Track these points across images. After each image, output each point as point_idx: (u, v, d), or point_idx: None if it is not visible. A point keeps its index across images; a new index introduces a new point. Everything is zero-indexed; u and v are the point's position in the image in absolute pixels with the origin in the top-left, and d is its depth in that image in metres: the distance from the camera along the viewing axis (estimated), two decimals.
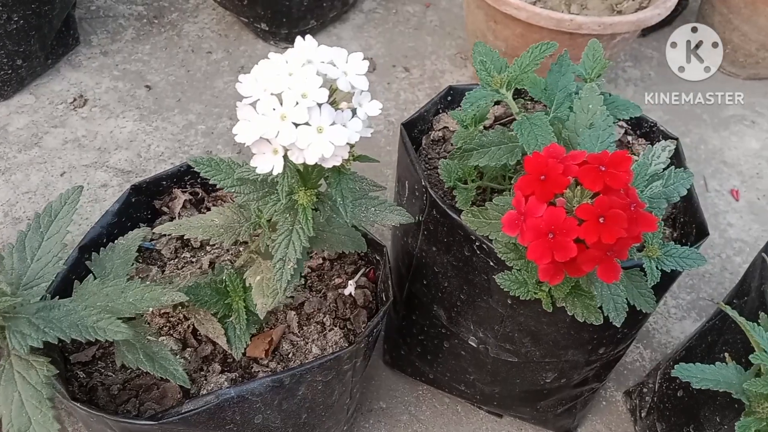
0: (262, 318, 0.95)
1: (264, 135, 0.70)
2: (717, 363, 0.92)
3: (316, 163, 0.74)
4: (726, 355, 1.05)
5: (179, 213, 1.25)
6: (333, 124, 0.71)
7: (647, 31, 2.19)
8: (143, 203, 1.24)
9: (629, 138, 1.29)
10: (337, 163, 0.73)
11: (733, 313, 1.02)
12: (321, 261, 1.23)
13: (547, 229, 0.75)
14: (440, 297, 1.20)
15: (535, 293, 0.97)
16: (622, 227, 0.72)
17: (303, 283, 1.20)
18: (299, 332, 1.13)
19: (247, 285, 0.96)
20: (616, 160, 0.75)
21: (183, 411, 0.95)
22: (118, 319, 0.89)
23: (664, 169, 1.25)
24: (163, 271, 1.19)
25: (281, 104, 0.70)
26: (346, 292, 1.17)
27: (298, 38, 0.75)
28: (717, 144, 1.94)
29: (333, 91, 0.74)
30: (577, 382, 1.26)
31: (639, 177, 0.88)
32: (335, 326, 1.13)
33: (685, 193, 0.92)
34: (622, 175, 0.74)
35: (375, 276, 1.20)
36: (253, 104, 0.71)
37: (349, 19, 2.11)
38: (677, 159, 1.22)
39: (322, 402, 1.08)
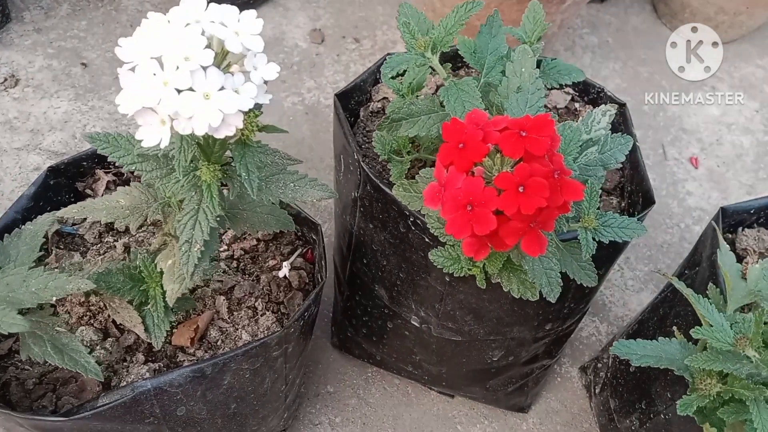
0: (171, 305, 0.88)
1: (145, 104, 0.63)
2: (660, 338, 0.88)
3: (218, 136, 0.67)
4: (675, 328, 1.01)
5: (103, 195, 1.18)
6: (222, 89, 0.64)
7: None
8: (64, 186, 1.16)
9: (576, 105, 1.24)
10: (230, 133, 0.66)
11: (679, 285, 0.98)
12: (255, 242, 1.17)
13: (465, 200, 0.69)
14: (380, 276, 1.14)
15: (469, 269, 0.91)
16: (543, 196, 0.67)
17: (236, 266, 1.14)
18: (229, 318, 1.06)
19: (159, 270, 0.90)
20: (537, 124, 0.69)
21: (97, 405, 0.89)
22: (21, 309, 0.82)
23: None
24: (84, 257, 1.12)
25: (162, 69, 0.63)
26: (281, 274, 1.11)
27: None
28: (676, 111, 1.89)
29: (224, 54, 0.68)
30: (526, 360, 1.21)
31: (572, 143, 0.82)
32: (268, 311, 1.07)
33: (623, 159, 0.87)
34: (544, 141, 0.68)
35: (313, 256, 1.14)
36: (134, 70, 0.64)
37: None
38: (625, 125, 1.16)
39: (253, 391, 1.02)
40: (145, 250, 0.99)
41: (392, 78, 1.17)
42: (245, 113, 0.72)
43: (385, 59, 1.21)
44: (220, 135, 0.66)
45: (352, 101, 1.21)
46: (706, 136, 1.85)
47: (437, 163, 0.74)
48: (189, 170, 0.77)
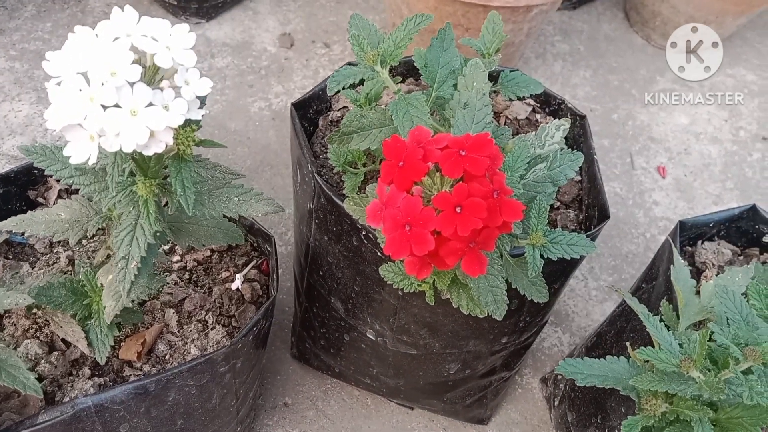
0: (108, 322, 0.86)
1: (71, 120, 0.61)
2: (608, 357, 0.87)
3: (147, 153, 0.65)
4: (628, 344, 1.00)
5: (56, 203, 1.15)
6: (150, 105, 0.62)
7: (578, 4, 2.12)
8: (15, 194, 1.14)
9: (537, 116, 1.23)
10: (159, 150, 0.64)
11: (631, 301, 0.97)
12: (209, 253, 1.15)
13: (404, 220, 0.68)
14: (336, 288, 1.13)
15: (419, 285, 0.90)
16: (480, 217, 0.65)
17: (188, 277, 1.12)
18: (178, 332, 1.05)
19: (99, 284, 0.88)
20: (477, 143, 0.68)
21: (36, 423, 0.87)
22: None
23: (573, 148, 1.19)
24: (33, 268, 1.10)
25: (89, 84, 0.61)
26: (233, 286, 1.09)
27: (115, 9, 0.66)
28: (645, 120, 1.89)
29: (155, 69, 0.66)
30: (484, 372, 1.20)
31: (519, 159, 0.81)
32: (218, 324, 1.05)
33: (573, 175, 0.86)
34: (483, 160, 0.67)
35: (268, 268, 1.12)
36: (60, 84, 0.62)
37: None
38: (584, 137, 1.16)
39: (200, 406, 1.00)
40: (88, 264, 0.97)
41: (351, 88, 1.16)
42: (181, 128, 0.70)
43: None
44: (149, 152, 0.64)
45: (311, 110, 1.19)
46: (675, 145, 1.85)
47: (379, 181, 0.73)
48: (125, 185, 0.75)
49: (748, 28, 2.14)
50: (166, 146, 0.65)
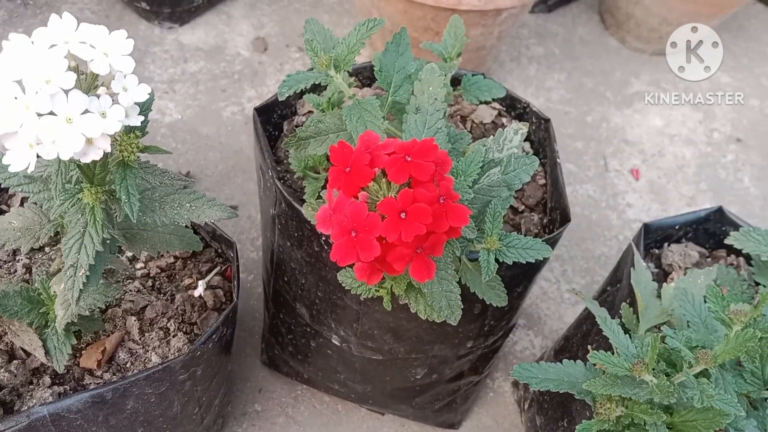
0: (59, 330, 0.85)
1: (7, 128, 0.61)
2: (564, 361, 0.87)
3: (85, 160, 0.65)
4: (590, 347, 1.00)
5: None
6: (86, 112, 0.61)
7: (553, 7, 2.13)
8: None
9: (503, 120, 1.23)
10: (97, 157, 0.63)
11: (590, 304, 0.97)
12: (172, 260, 1.14)
13: (350, 226, 0.67)
14: (300, 294, 1.12)
15: (377, 291, 0.90)
16: (424, 222, 0.65)
17: (151, 284, 1.11)
18: (140, 339, 1.04)
19: (53, 293, 0.87)
20: (423, 149, 0.68)
21: None
22: None
23: (538, 152, 1.19)
24: None
25: (24, 92, 0.61)
26: (196, 293, 1.08)
27: (53, 16, 0.65)
28: (619, 122, 1.90)
29: (94, 76, 0.65)
30: (451, 377, 1.20)
31: (472, 164, 0.81)
32: (180, 331, 1.05)
33: (527, 179, 0.86)
34: (428, 166, 0.67)
35: (232, 274, 1.11)
36: None
37: None
38: (548, 140, 1.16)
39: (161, 414, 0.99)
40: (44, 272, 0.96)
41: (312, 92, 1.15)
42: (125, 134, 0.70)
43: None
44: (87, 159, 0.63)
45: (276, 115, 1.19)
46: (649, 147, 1.86)
47: (328, 186, 0.73)
48: (72, 192, 0.75)
49: (722, 29, 2.14)
50: (105, 153, 0.64)
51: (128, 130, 0.71)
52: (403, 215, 0.66)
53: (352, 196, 0.70)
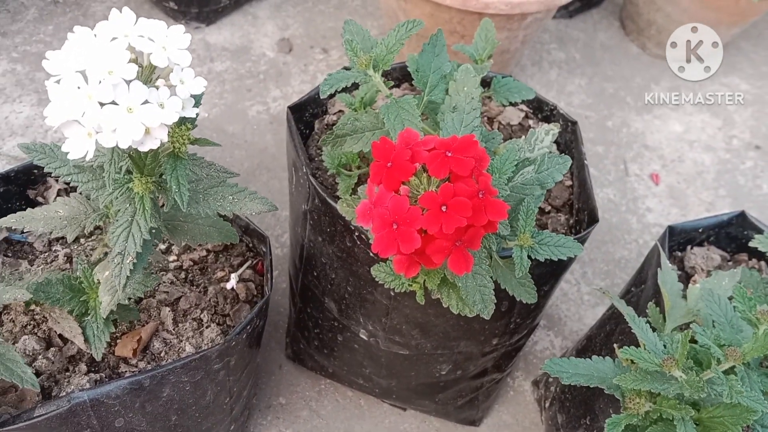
0: (104, 317, 0.88)
1: (70, 117, 0.63)
2: (594, 357, 0.88)
3: (142, 149, 0.67)
4: (615, 346, 1.02)
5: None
6: (146, 103, 0.64)
7: (574, 13, 2.15)
8: (15, 193, 1.16)
9: (530, 122, 1.25)
10: (154, 146, 0.66)
11: (618, 303, 0.99)
12: (205, 253, 1.17)
13: (391, 219, 0.70)
14: (330, 289, 1.15)
15: (410, 285, 0.92)
16: (464, 216, 0.67)
17: (184, 276, 1.14)
18: (173, 329, 1.06)
19: (96, 281, 0.89)
20: (463, 145, 0.70)
21: (33, 416, 0.89)
22: None
23: (564, 153, 1.21)
24: (32, 266, 1.11)
25: (87, 83, 0.63)
26: (228, 286, 1.11)
27: (114, 10, 0.68)
28: (639, 127, 1.91)
29: (152, 68, 0.68)
30: (475, 374, 1.21)
31: (507, 162, 0.83)
32: (213, 323, 1.07)
33: (560, 178, 0.88)
34: (468, 161, 0.69)
35: (263, 268, 1.14)
36: (59, 82, 0.64)
37: None
38: (575, 143, 1.18)
39: (194, 403, 1.01)
40: (86, 260, 0.99)
41: (345, 92, 1.18)
42: (177, 126, 0.72)
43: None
44: (144, 148, 0.66)
45: (307, 113, 1.21)
46: (668, 152, 1.87)
47: (369, 181, 0.75)
48: (122, 182, 0.77)
49: (742, 37, 2.16)
50: (161, 143, 0.67)
51: (180, 122, 0.73)
52: (443, 208, 0.68)
53: (393, 190, 0.72)
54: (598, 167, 1.80)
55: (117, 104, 0.63)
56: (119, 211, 0.79)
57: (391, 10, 1.69)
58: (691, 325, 0.82)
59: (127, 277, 0.79)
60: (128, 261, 0.78)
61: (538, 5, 1.49)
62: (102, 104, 0.63)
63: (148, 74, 0.68)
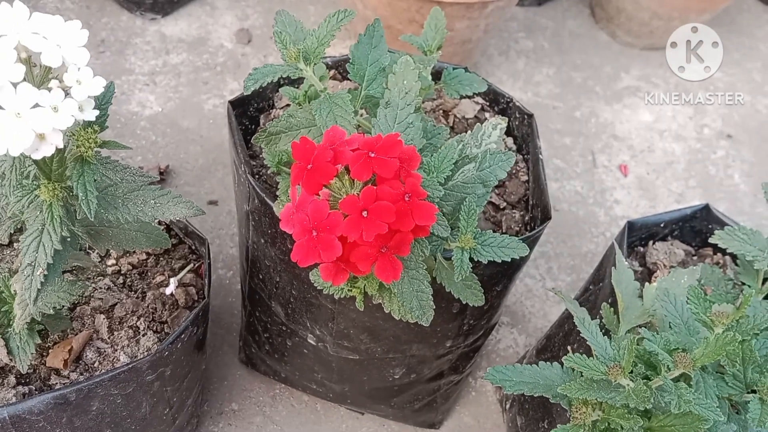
0: (17, 331, 0.82)
1: None
2: (540, 363, 0.84)
3: (36, 156, 0.62)
4: (569, 348, 0.98)
5: None
6: (36, 107, 0.59)
7: (543, 0, 2.09)
8: None
9: (486, 114, 1.20)
10: (48, 153, 0.61)
11: (570, 304, 0.95)
12: (145, 256, 1.11)
13: (311, 225, 0.65)
14: (275, 292, 1.10)
15: (350, 290, 0.87)
16: (387, 221, 0.63)
17: (122, 282, 1.09)
18: (108, 338, 1.01)
19: (13, 292, 0.84)
20: (387, 144, 0.65)
21: None
22: None
23: (521, 147, 1.17)
24: None
25: None
26: (167, 291, 1.06)
27: (3, 4, 0.62)
28: (609, 117, 1.87)
29: (48, 68, 0.62)
30: (431, 377, 1.17)
31: (445, 160, 0.78)
32: (150, 330, 1.02)
33: (503, 176, 0.83)
34: (391, 162, 0.64)
35: (204, 272, 1.09)
36: None
37: None
38: (531, 136, 1.13)
39: (129, 416, 0.97)
40: (7, 269, 0.93)
41: (290, 85, 1.13)
42: (83, 129, 0.67)
43: None
44: (38, 155, 0.61)
45: (252, 108, 1.16)
46: (638, 143, 1.83)
47: (291, 183, 0.70)
48: (30, 189, 0.72)
49: (713, 24, 2.10)
50: (58, 149, 0.61)
51: (87, 124, 0.68)
52: (365, 213, 0.63)
53: (314, 193, 0.67)
54: (565, 159, 1.75)
55: (3, 108, 0.58)
56: (29, 219, 0.73)
57: (350, 1, 1.63)
58: (640, 329, 0.78)
59: (38, 290, 0.73)
60: (38, 273, 0.73)
61: None
62: None
63: (45, 75, 0.62)
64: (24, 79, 0.59)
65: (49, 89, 0.60)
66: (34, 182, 0.73)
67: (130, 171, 0.77)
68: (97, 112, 0.64)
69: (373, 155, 0.64)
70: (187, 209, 0.82)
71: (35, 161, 0.70)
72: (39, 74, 0.63)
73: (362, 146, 0.66)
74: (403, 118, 0.77)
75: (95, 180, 0.69)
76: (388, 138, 0.65)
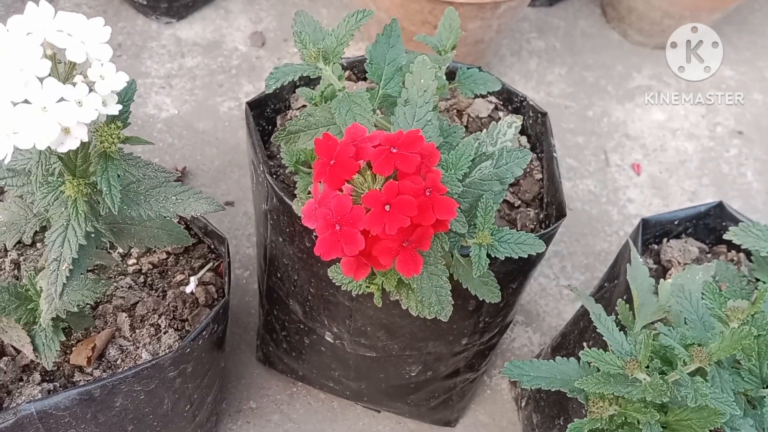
0: (44, 326, 0.84)
1: None
2: (558, 358, 0.85)
3: (61, 150, 0.64)
4: (584, 345, 0.98)
5: None
6: (61, 100, 0.60)
7: (554, 1, 2.10)
8: None
9: (500, 113, 1.21)
10: (73, 146, 0.62)
11: (586, 300, 0.95)
12: (165, 255, 1.13)
13: (334, 220, 0.66)
14: (293, 291, 1.11)
15: (368, 287, 0.88)
16: (409, 215, 0.64)
17: (143, 280, 1.10)
18: (130, 336, 1.03)
19: (39, 289, 0.86)
20: (408, 140, 0.66)
21: None
22: None
23: (535, 146, 1.18)
24: None
25: None
26: (187, 290, 1.07)
27: (30, 3, 0.64)
28: (621, 116, 1.87)
29: (73, 64, 0.64)
30: (447, 374, 1.18)
31: (463, 157, 0.79)
32: (171, 328, 1.04)
33: (520, 173, 0.84)
34: (413, 157, 0.65)
35: (224, 271, 1.10)
36: None
37: None
38: (545, 134, 1.14)
39: (150, 412, 0.98)
40: (32, 267, 0.95)
41: (306, 85, 1.14)
42: (106, 125, 0.69)
43: None
44: (63, 149, 0.62)
45: (269, 109, 1.17)
46: (650, 141, 1.83)
47: (313, 180, 0.71)
48: (56, 185, 0.74)
49: (725, 23, 2.12)
50: (83, 143, 0.63)
51: (110, 120, 0.69)
52: (387, 208, 0.64)
53: (336, 189, 0.68)
54: (578, 158, 1.76)
55: (30, 103, 0.59)
56: (54, 215, 0.75)
57: (363, 1, 1.65)
58: (656, 324, 0.78)
59: (63, 284, 0.75)
60: (64, 267, 0.74)
61: None
62: (15, 103, 0.59)
63: (69, 71, 0.64)
64: (50, 75, 0.61)
65: (74, 84, 0.62)
66: (59, 179, 0.74)
67: (152, 168, 0.79)
68: (120, 107, 0.65)
69: (394, 151, 0.66)
70: (208, 205, 0.83)
71: (60, 157, 0.71)
72: (64, 70, 0.65)
73: (384, 142, 0.67)
74: (422, 116, 0.78)
75: (118, 176, 0.71)
76: (409, 134, 0.66)
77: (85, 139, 0.62)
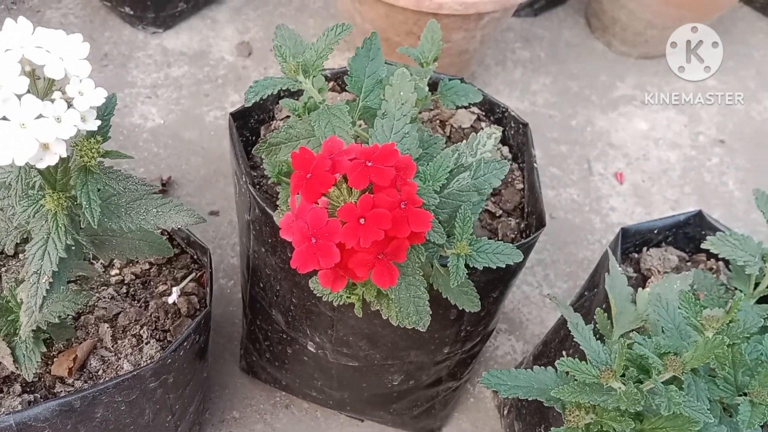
0: (24, 338, 0.84)
1: None
2: (535, 367, 0.86)
3: (40, 166, 0.64)
4: (564, 353, 0.99)
5: None
6: (39, 117, 0.61)
7: (539, 11, 2.12)
8: None
9: (482, 124, 1.22)
10: (52, 162, 0.63)
11: (564, 309, 0.96)
12: (148, 266, 1.13)
13: (310, 232, 0.67)
14: (276, 300, 1.12)
15: (348, 297, 0.89)
16: (384, 228, 0.65)
17: (126, 291, 1.11)
18: (112, 347, 1.03)
19: (19, 301, 0.86)
20: (383, 153, 0.67)
21: None
22: None
23: (516, 156, 1.19)
24: None
25: None
26: (170, 300, 1.07)
27: (8, 20, 0.65)
28: (604, 125, 1.89)
29: (52, 80, 0.64)
30: (429, 383, 1.19)
31: (440, 169, 0.80)
32: (153, 339, 1.04)
33: (498, 184, 0.85)
34: (388, 171, 0.66)
35: (206, 281, 1.11)
36: None
37: (226, 0, 1.99)
38: (526, 145, 1.15)
39: (132, 423, 0.98)
40: (14, 279, 0.95)
41: (290, 97, 1.15)
42: (85, 139, 0.69)
43: None
44: (42, 165, 0.63)
45: (253, 119, 1.18)
46: (633, 150, 1.85)
47: (291, 192, 0.72)
48: (36, 199, 0.74)
49: None
50: (62, 158, 0.63)
51: (89, 134, 0.70)
52: (362, 221, 0.65)
53: (313, 202, 0.69)
54: (561, 167, 1.78)
55: (8, 119, 0.60)
56: (35, 228, 0.75)
57: (348, 12, 1.66)
58: (632, 334, 0.79)
59: (44, 297, 0.75)
60: (44, 280, 0.75)
61: (494, 5, 1.46)
62: None
63: (48, 87, 0.64)
64: (28, 91, 0.61)
65: (53, 100, 0.62)
66: (39, 192, 0.75)
67: (132, 180, 0.79)
68: (99, 123, 0.66)
69: (369, 164, 0.67)
70: (189, 217, 0.84)
71: (40, 171, 0.72)
72: (42, 86, 0.66)
73: (359, 156, 0.68)
74: (400, 128, 0.79)
75: (98, 189, 0.71)
76: (384, 148, 0.67)
77: (65, 155, 0.63)
